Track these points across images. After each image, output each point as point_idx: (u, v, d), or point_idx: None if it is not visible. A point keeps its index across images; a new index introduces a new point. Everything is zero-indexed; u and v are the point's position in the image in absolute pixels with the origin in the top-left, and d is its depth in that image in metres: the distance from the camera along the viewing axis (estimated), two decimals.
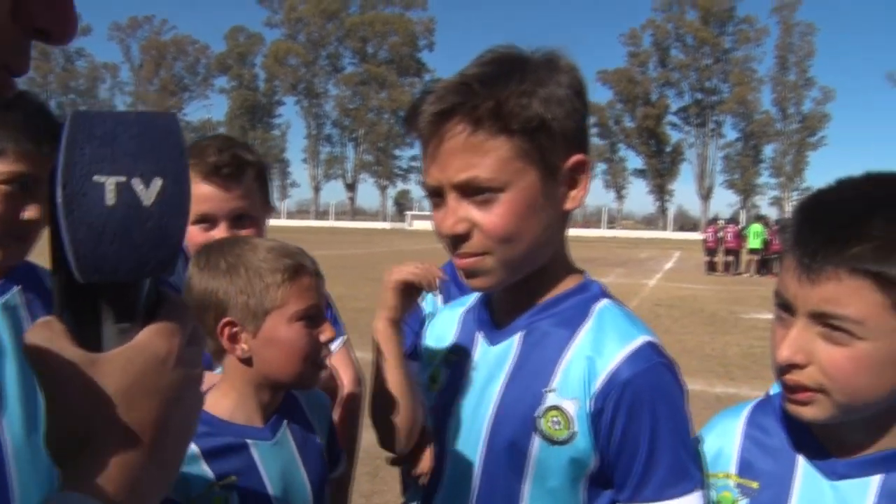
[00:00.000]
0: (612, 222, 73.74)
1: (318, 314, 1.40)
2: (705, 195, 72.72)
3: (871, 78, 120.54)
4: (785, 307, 1.07)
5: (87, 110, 0.57)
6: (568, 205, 1.20)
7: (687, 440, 1.16)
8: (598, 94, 73.04)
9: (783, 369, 1.05)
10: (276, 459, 1.41)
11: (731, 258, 24.12)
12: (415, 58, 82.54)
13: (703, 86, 74.17)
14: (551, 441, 1.15)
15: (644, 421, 1.12)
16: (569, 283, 1.26)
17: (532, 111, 1.11)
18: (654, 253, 34.55)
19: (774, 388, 1.66)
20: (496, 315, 1.29)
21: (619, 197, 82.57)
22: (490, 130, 1.11)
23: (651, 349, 1.16)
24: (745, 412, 1.24)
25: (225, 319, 1.35)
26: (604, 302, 1.23)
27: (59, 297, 0.63)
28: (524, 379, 1.20)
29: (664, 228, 67.29)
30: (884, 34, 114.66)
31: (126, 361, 0.60)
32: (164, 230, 0.59)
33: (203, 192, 1.71)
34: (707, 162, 74.06)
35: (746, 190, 73.83)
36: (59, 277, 0.62)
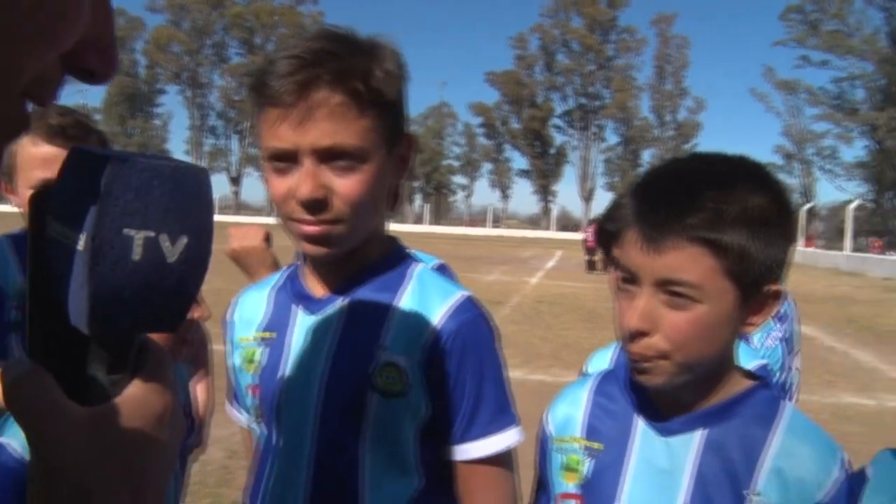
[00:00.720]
0: (498, 222, 74.92)
1: None
2: (587, 197, 75.02)
3: (738, 91, 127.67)
4: (629, 279, 1.14)
5: (126, 157, 0.56)
6: (397, 178, 1.29)
7: (504, 382, 1.30)
8: (486, 95, 74.23)
9: (630, 338, 1.13)
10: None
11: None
12: None
13: (587, 91, 76.51)
14: (387, 395, 1.23)
15: (470, 367, 1.25)
16: (383, 251, 1.34)
17: (393, 88, 1.19)
18: (538, 252, 35.38)
19: (593, 366, 1.84)
20: (311, 287, 1.32)
21: (505, 197, 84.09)
22: (361, 102, 1.15)
23: (471, 302, 1.29)
24: (592, 382, 1.35)
25: None
26: (419, 266, 1.34)
27: (44, 343, 0.61)
28: (354, 341, 1.27)
29: (547, 228, 68.88)
30: (749, 51, 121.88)
31: (126, 418, 0.59)
32: (182, 287, 0.59)
33: (46, 152, 1.67)
34: (589, 164, 76.42)
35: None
36: (43, 321, 0.60)
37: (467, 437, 1.26)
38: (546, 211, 78.01)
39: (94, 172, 0.55)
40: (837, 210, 54.75)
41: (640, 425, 1.24)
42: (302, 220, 1.19)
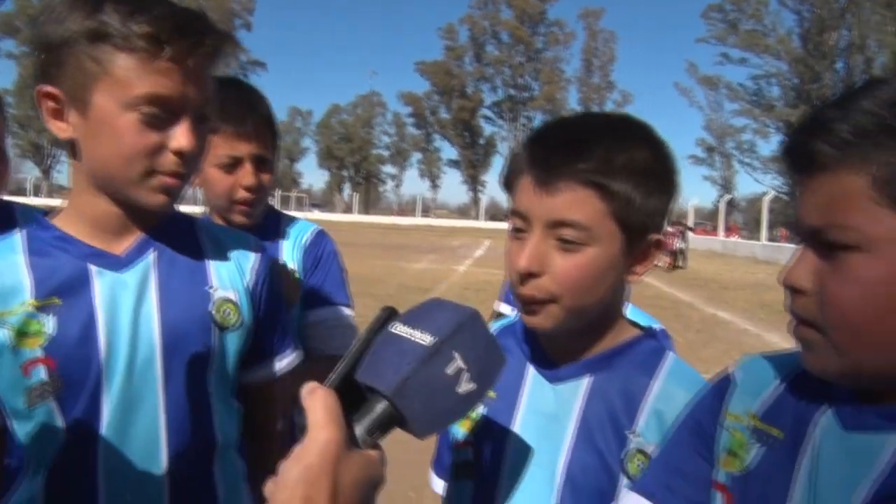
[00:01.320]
0: (427, 211, 75.13)
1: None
2: None
3: (663, 86, 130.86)
4: (522, 224, 1.17)
5: (476, 314, 0.88)
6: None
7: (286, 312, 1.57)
8: (416, 85, 74.12)
9: (520, 280, 1.15)
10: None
11: None
12: None
13: (516, 82, 77.25)
14: (224, 328, 1.37)
15: (279, 296, 1.52)
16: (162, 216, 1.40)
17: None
18: (466, 241, 35.62)
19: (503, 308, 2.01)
20: (109, 245, 1.31)
21: (434, 186, 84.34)
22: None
23: (263, 244, 1.52)
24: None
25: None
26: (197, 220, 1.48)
27: (345, 388, 0.86)
28: (181, 289, 1.33)
29: (476, 218, 69.36)
30: (673, 47, 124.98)
31: (364, 467, 0.83)
32: (457, 413, 0.88)
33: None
34: None
35: None
36: (348, 374, 0.87)
37: (280, 350, 1.52)
38: (475, 201, 78.52)
39: (451, 310, 0.88)
40: (755, 201, 56.81)
41: (531, 374, 1.28)
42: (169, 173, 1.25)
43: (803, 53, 51.09)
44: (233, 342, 1.38)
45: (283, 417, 1.55)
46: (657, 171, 1.18)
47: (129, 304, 1.28)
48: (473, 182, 79.25)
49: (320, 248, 2.04)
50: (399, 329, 0.87)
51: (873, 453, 0.84)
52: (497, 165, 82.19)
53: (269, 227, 1.96)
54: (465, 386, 0.87)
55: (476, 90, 78.98)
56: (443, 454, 1.42)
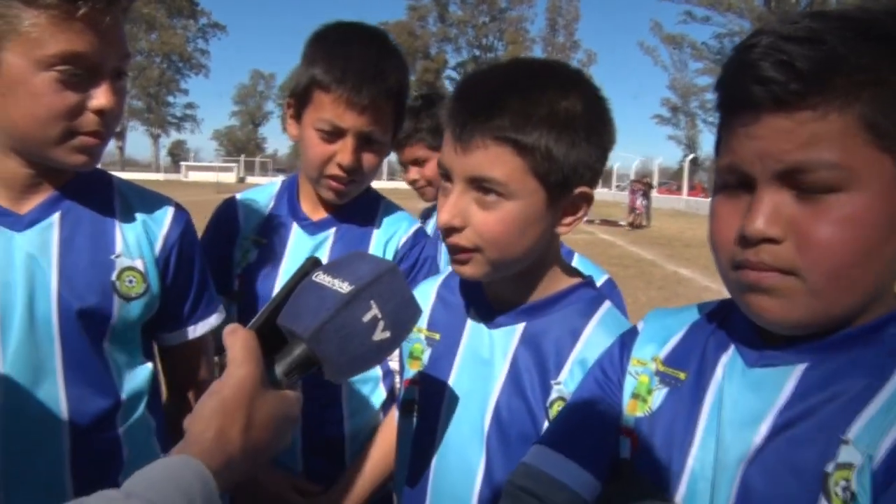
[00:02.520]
0: (393, 174, 74.82)
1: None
2: None
3: (628, 45, 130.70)
4: (446, 177, 1.19)
5: (390, 273, 0.95)
6: None
7: (209, 274, 1.56)
8: None
9: (445, 233, 1.18)
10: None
11: None
12: None
13: (481, 43, 76.66)
14: (128, 298, 1.36)
15: (193, 262, 1.48)
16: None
17: None
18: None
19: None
20: (14, 203, 1.30)
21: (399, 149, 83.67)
22: None
23: (183, 209, 1.50)
24: (441, 277, 1.45)
25: None
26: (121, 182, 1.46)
27: (263, 330, 0.92)
28: (83, 254, 1.32)
29: None
30: (637, 6, 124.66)
31: (279, 405, 0.89)
32: (371, 359, 0.96)
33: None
34: None
35: None
36: (270, 318, 0.93)
37: (191, 321, 1.51)
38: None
39: (371, 262, 0.95)
40: None
41: (471, 318, 1.33)
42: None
43: (766, 12, 51.31)
44: (136, 310, 1.37)
45: (207, 365, 1.57)
46: (584, 120, 1.15)
47: (24, 267, 1.26)
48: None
49: (418, 253, 1.80)
50: (321, 278, 0.93)
51: (775, 386, 0.87)
52: None
53: (359, 210, 1.78)
54: (380, 334, 0.92)
55: (440, 51, 78.26)
56: (400, 391, 1.48)
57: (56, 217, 1.30)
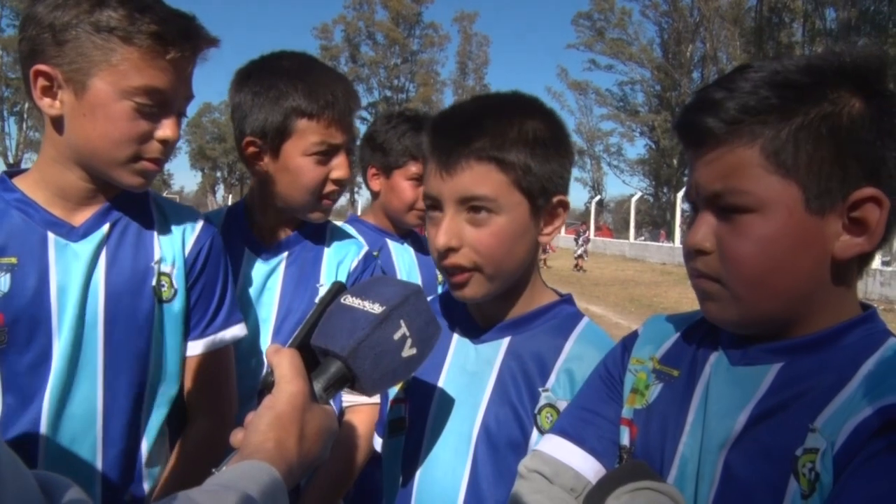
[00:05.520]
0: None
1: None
2: None
3: (536, 90, 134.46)
4: (434, 207, 1.29)
5: (416, 294, 1.05)
6: None
7: (230, 288, 1.62)
8: None
9: (441, 257, 1.27)
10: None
11: None
12: None
13: (392, 83, 77.34)
14: (163, 300, 1.46)
15: (219, 270, 1.56)
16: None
17: None
18: None
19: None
20: (69, 214, 1.40)
21: None
22: None
23: (210, 222, 1.59)
24: None
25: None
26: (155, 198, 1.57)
27: (304, 347, 1.01)
28: (127, 263, 1.43)
29: None
30: (545, 52, 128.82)
31: (325, 418, 0.97)
32: (400, 374, 1.05)
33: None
34: None
35: None
36: (305, 339, 1.02)
37: (210, 331, 1.56)
38: (352, 202, 78.09)
39: (397, 285, 1.05)
40: (623, 202, 59.27)
41: (456, 336, 1.42)
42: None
43: (664, 62, 53.85)
44: (170, 312, 1.47)
45: (228, 381, 1.62)
46: (550, 138, 1.30)
47: (79, 273, 1.36)
48: (349, 182, 78.65)
49: (369, 276, 1.87)
50: (350, 300, 1.01)
51: (754, 382, 0.99)
52: None
53: (310, 234, 1.87)
54: (408, 350, 1.01)
55: None
56: (383, 415, 1.52)
57: (106, 228, 1.42)
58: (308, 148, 1.70)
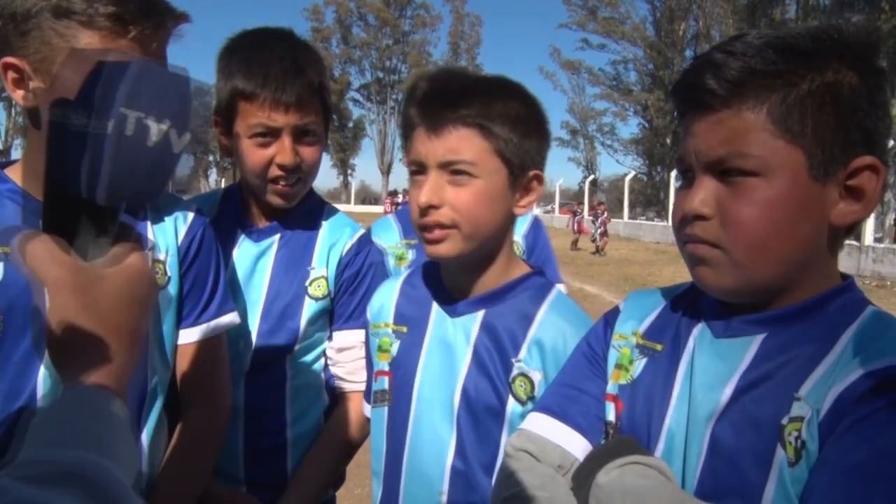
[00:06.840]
0: (364, 200, 74.02)
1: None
2: (386, 170, 75.73)
3: (528, 69, 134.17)
4: (418, 170, 1.35)
5: (146, 65, 0.73)
6: None
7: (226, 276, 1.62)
8: None
9: (421, 214, 1.32)
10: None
11: None
12: None
13: (384, 65, 76.94)
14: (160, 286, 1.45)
15: (210, 259, 1.54)
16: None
17: None
18: None
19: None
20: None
21: None
22: None
23: (199, 212, 1.56)
24: (404, 275, 1.61)
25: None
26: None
27: (50, 212, 0.73)
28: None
29: (347, 202, 68.86)
30: (537, 32, 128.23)
31: (126, 278, 0.73)
32: (171, 171, 0.77)
33: None
34: (387, 138, 76.97)
35: None
36: (50, 194, 0.73)
37: (203, 319, 1.53)
38: (345, 185, 77.92)
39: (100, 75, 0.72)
40: (617, 182, 59.32)
41: (435, 308, 1.48)
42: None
43: (657, 41, 53.67)
44: (164, 298, 1.47)
45: (221, 372, 1.62)
46: (530, 118, 1.39)
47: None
48: (343, 166, 78.46)
49: (363, 259, 1.83)
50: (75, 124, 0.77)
51: (738, 354, 1.00)
52: (367, 149, 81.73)
53: (303, 216, 1.82)
54: (156, 131, 0.75)
55: (344, 73, 78.16)
56: (370, 384, 1.57)
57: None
58: (247, 130, 1.65)
